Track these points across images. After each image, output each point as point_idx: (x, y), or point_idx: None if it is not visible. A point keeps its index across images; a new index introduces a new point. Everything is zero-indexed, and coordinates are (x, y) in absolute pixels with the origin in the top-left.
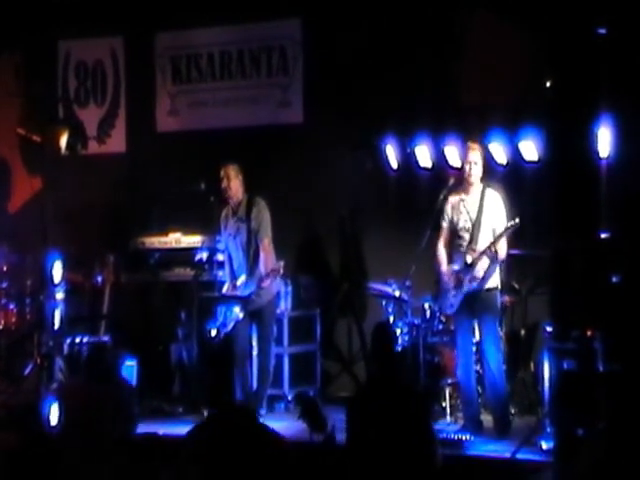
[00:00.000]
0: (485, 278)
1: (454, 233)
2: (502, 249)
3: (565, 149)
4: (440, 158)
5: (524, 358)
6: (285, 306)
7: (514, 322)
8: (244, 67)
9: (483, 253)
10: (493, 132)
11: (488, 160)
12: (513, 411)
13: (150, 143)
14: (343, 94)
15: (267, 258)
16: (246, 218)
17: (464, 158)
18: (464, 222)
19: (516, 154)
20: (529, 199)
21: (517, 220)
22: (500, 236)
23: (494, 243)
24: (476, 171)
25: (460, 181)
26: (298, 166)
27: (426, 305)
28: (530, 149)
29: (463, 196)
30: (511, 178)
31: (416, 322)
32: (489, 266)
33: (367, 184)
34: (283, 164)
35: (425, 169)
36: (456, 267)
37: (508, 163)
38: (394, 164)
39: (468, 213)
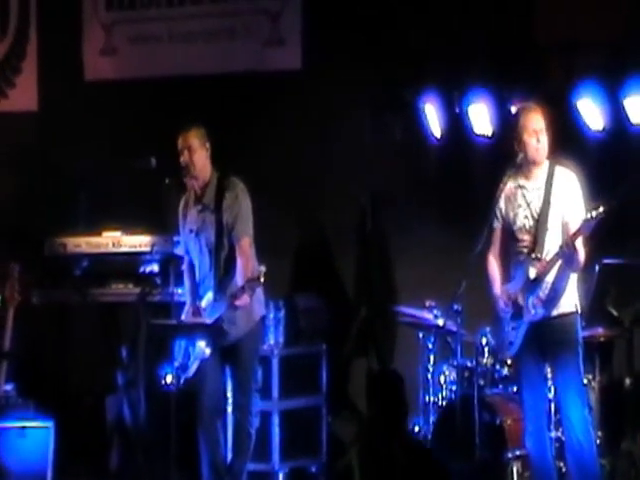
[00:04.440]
0: (556, 298)
1: (511, 236)
2: (581, 249)
3: None
4: (505, 122)
5: (631, 421)
6: (275, 339)
7: (614, 367)
8: None
9: (554, 260)
10: (584, 84)
11: (576, 125)
12: None
13: (74, 97)
14: (361, 28)
15: (246, 266)
16: (215, 207)
17: (522, 127)
18: (524, 219)
19: (619, 115)
20: (637, 180)
21: (601, 209)
22: (578, 233)
23: (573, 239)
24: (543, 145)
25: (519, 159)
26: (294, 133)
27: (483, 340)
28: None
29: (522, 181)
30: (610, 149)
31: (469, 364)
32: (562, 280)
33: (397, 160)
34: (272, 129)
35: (483, 137)
36: (515, 286)
37: (606, 128)
38: (437, 131)
39: (529, 206)
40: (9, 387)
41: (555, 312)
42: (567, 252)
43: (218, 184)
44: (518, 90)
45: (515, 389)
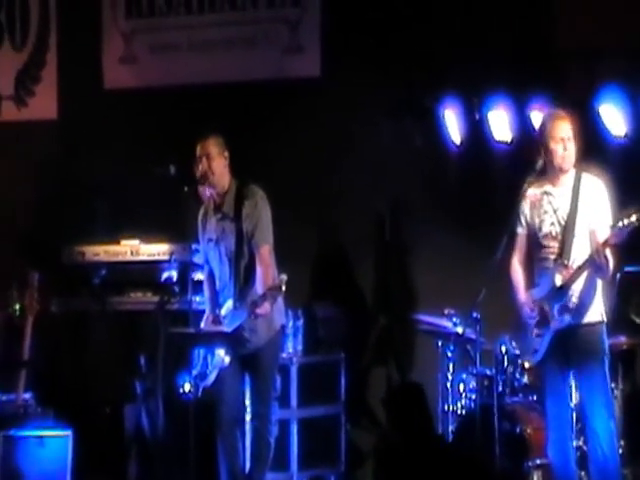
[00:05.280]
0: (583, 306)
1: (536, 242)
2: (611, 261)
3: None
4: (525, 128)
5: None
6: (294, 348)
7: (637, 375)
8: None
9: (582, 269)
10: (606, 90)
11: (598, 131)
12: None
13: (94, 106)
14: (380, 35)
15: (266, 274)
16: (235, 215)
17: (549, 134)
18: (550, 226)
19: None
20: None
21: (635, 217)
22: (608, 241)
23: (602, 250)
24: (570, 152)
25: (544, 165)
26: (313, 140)
27: (503, 348)
28: None
29: (548, 187)
30: (632, 155)
31: (488, 373)
32: (589, 288)
33: (416, 167)
34: (291, 137)
35: (503, 144)
36: (540, 293)
37: (628, 134)
38: (457, 137)
39: (556, 212)
40: (28, 396)
41: (582, 321)
42: (598, 261)
43: (237, 192)
44: (538, 96)
45: (534, 398)
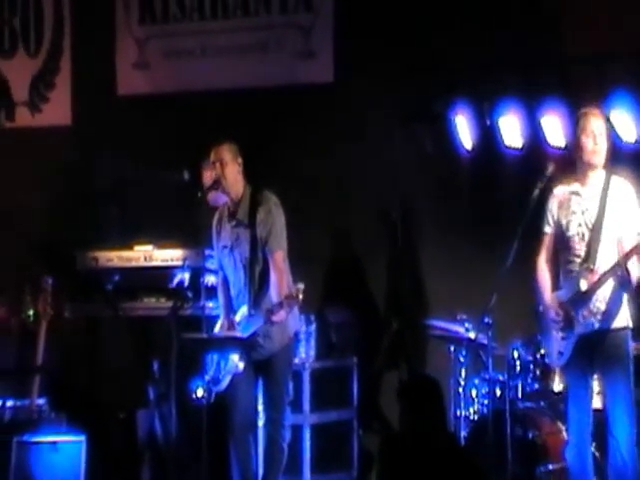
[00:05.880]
0: (609, 311)
1: (563, 244)
2: (635, 269)
3: None
4: (535, 134)
5: None
6: (306, 353)
7: None
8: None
9: (607, 275)
10: (616, 95)
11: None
12: None
13: (108, 111)
14: (392, 41)
15: (280, 280)
16: (249, 222)
17: (581, 129)
18: (577, 227)
19: None
20: None
21: None
22: (633, 251)
23: (625, 259)
24: (601, 148)
25: (570, 165)
26: (325, 146)
27: (515, 353)
28: None
29: (576, 187)
30: None
31: (501, 378)
32: (615, 293)
33: (427, 172)
34: (303, 143)
35: (513, 149)
36: (565, 296)
37: (639, 141)
38: (467, 143)
39: (583, 213)
40: (42, 401)
41: (607, 326)
42: (620, 274)
43: (251, 199)
44: (549, 102)
45: (546, 404)
